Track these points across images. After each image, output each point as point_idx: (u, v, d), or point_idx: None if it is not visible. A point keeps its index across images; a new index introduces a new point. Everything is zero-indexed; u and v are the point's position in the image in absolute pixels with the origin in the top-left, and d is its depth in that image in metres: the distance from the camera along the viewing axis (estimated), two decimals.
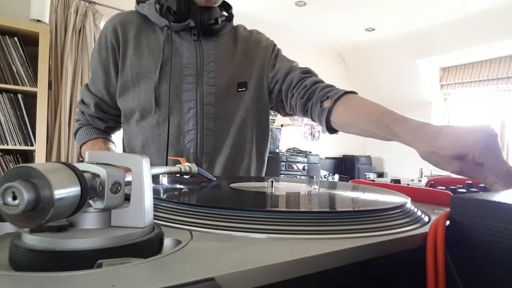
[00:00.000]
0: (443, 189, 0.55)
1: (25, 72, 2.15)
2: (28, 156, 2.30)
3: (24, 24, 2.13)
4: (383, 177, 4.17)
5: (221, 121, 0.82)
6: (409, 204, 0.41)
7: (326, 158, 4.83)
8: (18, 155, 2.25)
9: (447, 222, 0.32)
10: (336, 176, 4.45)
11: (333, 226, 0.31)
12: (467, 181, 0.63)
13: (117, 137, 0.96)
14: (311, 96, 0.79)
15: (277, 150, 4.14)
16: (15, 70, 2.13)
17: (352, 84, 4.81)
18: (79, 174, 0.23)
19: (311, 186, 0.57)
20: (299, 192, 0.50)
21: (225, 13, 0.89)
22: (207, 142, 0.80)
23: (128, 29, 0.81)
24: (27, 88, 2.15)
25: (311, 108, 0.79)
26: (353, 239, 0.29)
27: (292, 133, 4.56)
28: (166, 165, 0.76)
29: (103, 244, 0.23)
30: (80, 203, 0.23)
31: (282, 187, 0.54)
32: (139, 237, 0.25)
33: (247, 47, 0.89)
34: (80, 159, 2.64)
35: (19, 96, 2.17)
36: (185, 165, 0.52)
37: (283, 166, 3.96)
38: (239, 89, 0.84)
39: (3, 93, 2.12)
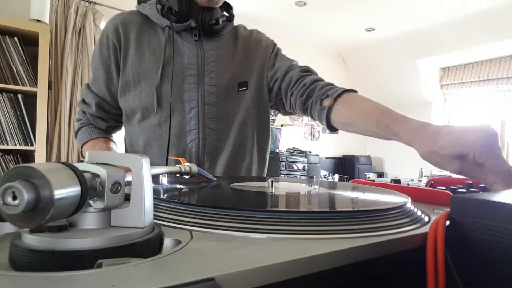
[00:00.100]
0: (443, 189, 0.55)
1: (25, 72, 2.15)
2: (28, 156, 2.30)
3: (24, 24, 2.13)
4: (383, 177, 4.17)
5: (222, 120, 0.82)
6: (409, 204, 0.41)
7: (326, 158, 4.83)
8: (18, 155, 2.25)
9: (447, 222, 0.32)
10: (336, 176, 4.45)
11: (333, 226, 0.31)
12: (467, 181, 0.63)
13: (119, 137, 0.96)
14: (311, 95, 0.79)
15: (277, 150, 4.14)
16: (15, 70, 2.13)
17: (352, 84, 4.80)
18: (79, 174, 0.23)
19: (311, 186, 0.57)
20: (299, 192, 0.50)
21: (225, 14, 0.89)
22: (208, 142, 0.81)
23: (130, 29, 0.81)
24: (27, 88, 2.15)
25: (310, 106, 0.79)
26: (353, 239, 0.29)
27: (292, 133, 4.56)
28: (166, 165, 0.76)
29: (103, 244, 0.23)
30: (80, 203, 0.23)
31: (282, 187, 0.54)
32: (139, 237, 0.25)
33: (248, 47, 0.90)
34: (81, 158, 2.64)
35: (19, 96, 2.17)
36: (185, 165, 0.52)
37: (283, 166, 3.96)
38: (240, 89, 0.85)
39: (3, 93, 2.12)
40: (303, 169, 4.09)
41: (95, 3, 2.75)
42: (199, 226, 0.31)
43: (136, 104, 0.80)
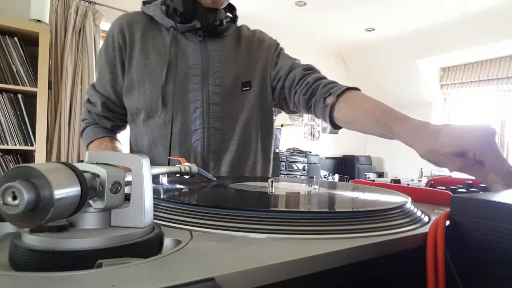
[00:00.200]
0: (443, 189, 0.55)
1: (25, 72, 2.15)
2: (28, 156, 2.30)
3: (24, 24, 2.13)
4: (383, 177, 4.17)
5: (226, 120, 0.83)
6: (409, 204, 0.41)
7: (326, 158, 4.83)
8: (18, 155, 2.25)
9: (447, 222, 0.32)
10: (336, 176, 4.45)
11: (333, 226, 0.31)
12: (467, 181, 0.63)
13: (124, 136, 0.96)
14: (314, 93, 0.79)
15: (277, 150, 4.14)
16: (15, 70, 2.13)
17: (352, 84, 4.79)
18: (79, 174, 0.23)
19: (311, 186, 0.57)
20: (299, 192, 0.50)
21: (229, 15, 0.90)
22: (213, 141, 0.81)
23: (135, 29, 0.82)
24: (27, 88, 2.15)
25: (314, 104, 0.79)
26: (353, 239, 0.29)
27: (292, 133, 4.56)
28: (169, 164, 0.76)
29: (103, 244, 0.23)
30: (80, 203, 0.23)
31: (282, 187, 0.54)
32: (139, 237, 0.25)
33: (251, 47, 0.91)
34: (81, 158, 2.64)
35: (19, 96, 2.17)
36: (185, 165, 0.52)
37: (283, 166, 3.96)
38: (243, 89, 0.85)
39: (3, 93, 2.12)
40: (303, 169, 4.09)
41: (95, 3, 2.75)
42: (199, 226, 0.31)
43: (141, 104, 0.81)
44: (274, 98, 0.91)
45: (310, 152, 4.39)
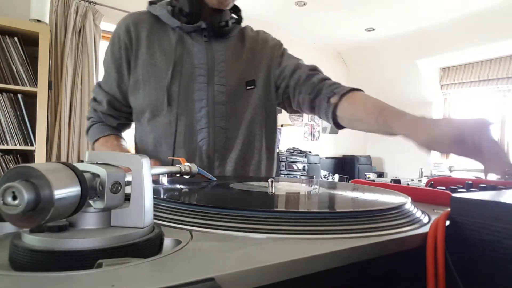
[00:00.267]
0: (443, 189, 0.55)
1: (25, 72, 2.15)
2: (28, 156, 2.30)
3: (24, 24, 2.13)
4: (383, 177, 4.16)
5: (231, 119, 0.84)
6: (409, 204, 0.41)
7: (326, 158, 4.83)
8: (18, 155, 2.25)
9: (447, 222, 0.32)
10: (336, 176, 4.45)
11: (333, 226, 0.31)
12: (467, 181, 0.63)
13: (128, 135, 0.96)
14: (319, 93, 0.81)
15: (277, 150, 4.13)
16: (15, 70, 2.13)
17: (352, 84, 4.76)
18: (79, 174, 0.23)
19: (311, 186, 0.57)
20: (299, 192, 0.50)
21: (234, 16, 0.91)
22: (218, 140, 0.82)
23: (141, 28, 0.83)
24: (27, 88, 2.15)
25: (318, 104, 0.81)
26: (353, 239, 0.29)
27: (292, 133, 4.56)
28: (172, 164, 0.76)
29: (103, 244, 0.23)
30: (80, 203, 0.23)
31: (282, 187, 0.54)
32: (139, 237, 0.25)
33: (254, 46, 0.91)
34: (81, 159, 2.64)
35: (19, 96, 2.16)
36: (185, 165, 0.52)
37: (283, 166, 3.96)
38: (248, 87, 0.86)
39: (3, 93, 2.12)
40: (303, 169, 4.09)
41: (95, 3, 2.75)
42: (199, 226, 0.31)
43: (146, 103, 0.81)
44: (277, 97, 0.92)
45: (310, 152, 4.39)
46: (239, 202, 0.41)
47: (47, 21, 2.29)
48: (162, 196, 0.39)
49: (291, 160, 4.04)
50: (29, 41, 2.18)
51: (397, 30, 4.01)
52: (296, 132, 4.64)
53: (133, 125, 0.93)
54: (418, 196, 0.54)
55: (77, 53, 2.66)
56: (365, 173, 4.26)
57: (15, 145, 2.13)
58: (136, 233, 0.25)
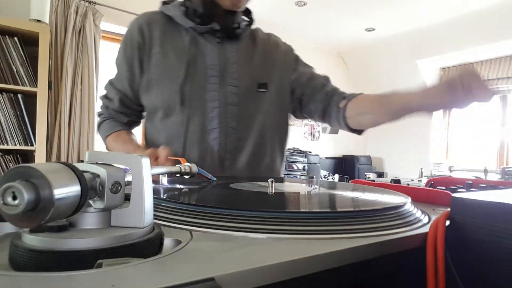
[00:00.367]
0: (443, 189, 0.55)
1: (25, 72, 2.15)
2: (28, 156, 2.30)
3: (24, 24, 2.13)
4: (383, 177, 4.16)
5: (243, 120, 0.85)
6: (409, 204, 0.41)
7: (326, 158, 4.83)
8: (18, 155, 2.25)
9: (447, 222, 0.32)
10: (336, 176, 4.45)
11: (333, 226, 0.31)
12: (467, 181, 0.63)
13: (137, 133, 0.97)
14: (330, 101, 0.86)
15: None
16: (15, 70, 2.13)
17: (352, 84, 4.80)
18: (79, 174, 0.23)
19: (311, 186, 0.57)
20: (299, 192, 0.50)
21: (246, 18, 0.93)
22: (230, 140, 0.83)
23: (154, 28, 0.84)
24: (27, 88, 2.15)
25: (329, 111, 0.86)
26: (353, 239, 0.29)
27: (292, 133, 4.53)
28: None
29: (103, 244, 0.23)
30: (80, 203, 0.23)
31: (282, 187, 0.54)
32: (139, 237, 0.25)
33: (266, 49, 0.93)
34: (81, 159, 2.64)
35: (19, 96, 2.16)
36: (185, 165, 0.52)
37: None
38: (259, 90, 0.87)
39: (3, 93, 2.12)
40: (303, 169, 4.09)
41: (95, 3, 2.75)
42: (199, 226, 0.31)
43: (159, 102, 0.82)
44: (290, 102, 0.94)
45: (310, 152, 4.39)
46: (239, 202, 0.41)
47: (47, 21, 2.29)
48: (162, 196, 0.39)
49: (291, 160, 4.04)
50: (29, 41, 2.18)
51: (397, 30, 4.01)
52: (296, 132, 4.64)
53: (142, 122, 0.94)
54: (418, 196, 0.54)
55: (77, 53, 2.66)
56: (365, 173, 4.25)
57: (15, 145, 2.13)
58: (136, 233, 0.25)
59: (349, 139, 5.01)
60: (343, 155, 5.05)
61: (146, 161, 0.27)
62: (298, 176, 3.97)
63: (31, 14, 2.21)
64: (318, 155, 4.43)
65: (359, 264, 0.28)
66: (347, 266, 0.27)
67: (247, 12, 0.93)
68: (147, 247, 0.25)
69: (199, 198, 0.45)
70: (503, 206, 0.28)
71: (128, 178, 0.27)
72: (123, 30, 3.07)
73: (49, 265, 0.21)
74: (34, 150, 2.19)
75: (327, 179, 4.33)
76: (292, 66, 0.93)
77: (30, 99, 2.18)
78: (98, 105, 2.74)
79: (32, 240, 0.23)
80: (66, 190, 0.22)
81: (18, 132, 2.15)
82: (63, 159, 2.57)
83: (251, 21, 0.93)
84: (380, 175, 4.44)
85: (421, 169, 3.01)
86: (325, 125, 4.84)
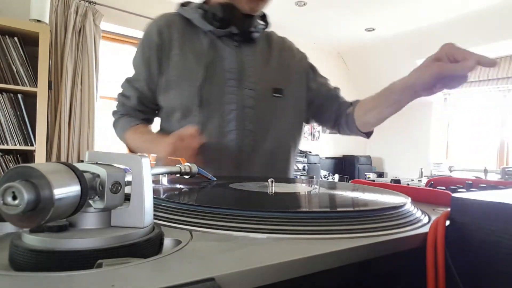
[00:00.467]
0: (443, 189, 0.55)
1: (25, 72, 2.15)
2: (28, 156, 2.30)
3: (24, 24, 2.13)
4: (383, 177, 4.16)
5: (259, 123, 0.86)
6: (409, 204, 0.41)
7: (326, 158, 4.83)
8: (18, 155, 2.25)
9: (447, 222, 0.32)
10: (336, 176, 4.45)
11: (333, 226, 0.31)
12: (467, 181, 0.63)
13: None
14: (342, 110, 0.93)
15: None
16: (15, 70, 2.13)
17: (352, 84, 4.80)
18: (79, 174, 0.23)
19: (311, 186, 0.57)
20: (299, 192, 0.50)
21: (261, 22, 0.94)
22: (246, 143, 0.84)
23: (173, 30, 0.85)
24: (27, 88, 2.15)
25: (340, 120, 0.94)
26: (353, 239, 0.29)
27: None
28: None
29: (103, 244, 0.23)
30: (80, 203, 0.23)
31: (282, 187, 0.54)
32: (139, 237, 0.25)
33: (282, 54, 0.95)
34: (81, 159, 2.64)
35: (19, 96, 2.17)
36: (185, 165, 0.52)
37: None
38: (274, 94, 0.89)
39: (3, 93, 2.12)
40: (303, 169, 4.09)
41: (95, 3, 2.75)
42: (199, 226, 0.31)
43: (177, 103, 0.83)
44: (308, 110, 0.97)
45: (310, 152, 4.39)
46: (239, 202, 0.41)
47: (47, 21, 2.29)
48: (162, 196, 0.39)
49: None
50: (29, 41, 2.18)
51: (397, 30, 4.01)
52: None
53: (155, 121, 0.96)
54: (418, 196, 0.54)
55: (77, 53, 2.66)
56: (365, 173, 4.26)
57: (15, 145, 2.13)
58: (136, 233, 0.25)
59: (349, 139, 5.01)
60: (343, 155, 5.05)
61: (146, 161, 0.27)
62: (298, 176, 3.97)
63: (31, 14, 2.22)
64: (318, 155, 4.43)
65: (359, 264, 0.28)
66: (347, 266, 0.27)
67: (263, 16, 0.95)
68: (147, 247, 0.25)
69: (199, 198, 0.45)
70: (503, 206, 0.28)
71: (128, 178, 0.27)
72: (123, 30, 3.08)
73: (49, 265, 0.21)
74: (34, 150, 2.19)
75: (327, 179, 4.33)
76: (309, 75, 0.97)
77: (30, 99, 2.18)
78: (98, 105, 2.75)
79: (32, 240, 0.23)
80: (66, 190, 0.22)
81: (18, 132, 2.15)
82: (63, 159, 2.57)
83: (266, 25, 0.95)
84: (380, 175, 4.44)
85: (421, 169, 3.01)
86: None
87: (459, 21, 3.60)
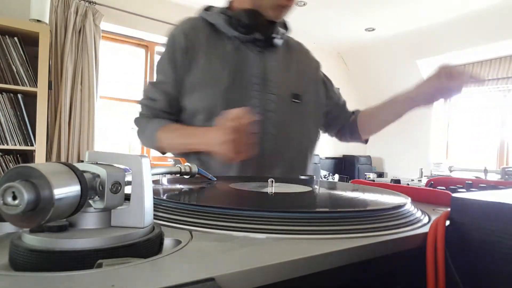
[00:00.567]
0: (443, 189, 0.55)
1: (25, 72, 2.15)
2: (28, 156, 2.30)
3: (24, 24, 2.13)
4: (383, 177, 4.16)
5: (280, 127, 0.88)
6: (409, 204, 0.41)
7: (326, 158, 4.83)
8: (18, 155, 2.25)
9: (447, 222, 0.32)
10: (336, 176, 4.45)
11: (333, 226, 0.31)
12: (467, 181, 0.63)
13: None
14: (346, 119, 1.02)
15: None
16: (15, 70, 2.13)
17: (352, 84, 4.80)
18: (79, 174, 0.23)
19: (311, 186, 0.57)
20: (299, 192, 0.50)
21: (282, 29, 0.96)
22: (268, 146, 0.86)
23: (199, 34, 0.87)
24: (27, 88, 2.15)
25: (343, 127, 1.03)
26: (353, 239, 0.29)
27: None
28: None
29: (103, 244, 0.23)
30: (80, 203, 0.23)
31: (282, 187, 0.54)
32: (139, 237, 0.25)
33: (300, 59, 0.99)
34: (81, 159, 2.64)
35: (19, 96, 2.17)
36: (185, 165, 0.52)
37: None
38: (293, 100, 0.92)
39: (3, 93, 2.12)
40: None
41: (95, 3, 2.75)
42: (199, 226, 0.31)
43: (201, 105, 0.85)
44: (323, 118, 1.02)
45: None
46: (239, 202, 0.41)
47: (47, 21, 2.29)
48: (162, 196, 0.39)
49: None
50: (29, 41, 2.18)
51: (397, 30, 4.01)
52: None
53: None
54: (418, 196, 0.54)
55: (77, 53, 2.66)
56: (365, 173, 4.25)
57: (15, 145, 2.13)
58: (136, 233, 0.25)
59: None
60: (343, 155, 5.05)
61: (146, 161, 0.27)
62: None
63: (31, 14, 2.22)
64: (318, 155, 4.43)
65: (359, 264, 0.28)
66: (347, 266, 0.27)
67: (283, 21, 0.97)
68: (147, 247, 0.25)
69: (199, 198, 0.45)
70: (503, 206, 0.28)
71: (128, 178, 0.27)
72: (123, 30, 3.08)
73: (49, 265, 0.21)
74: (34, 150, 2.19)
75: (327, 179, 4.33)
76: (326, 85, 1.02)
77: (30, 99, 2.18)
78: (98, 105, 2.75)
79: (32, 240, 0.23)
80: (66, 190, 0.22)
81: (18, 132, 2.15)
82: (63, 159, 2.57)
83: (286, 30, 0.97)
84: (380, 175, 4.44)
85: (421, 169, 3.01)
86: None
87: (459, 21, 3.60)
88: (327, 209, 0.38)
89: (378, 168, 5.02)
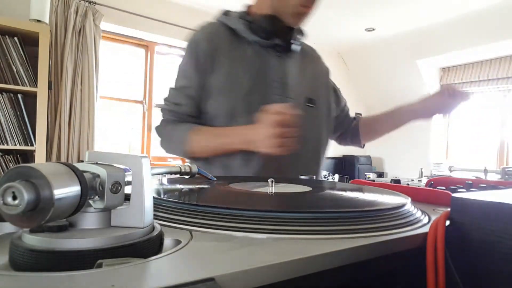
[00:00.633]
0: (443, 189, 0.55)
1: (25, 72, 2.15)
2: (28, 156, 2.30)
3: (24, 24, 2.13)
4: (383, 177, 4.16)
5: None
6: (409, 204, 0.41)
7: (326, 158, 4.82)
8: (18, 155, 2.25)
9: (447, 222, 0.32)
10: (336, 176, 4.45)
11: (333, 226, 0.31)
12: (467, 181, 0.63)
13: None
14: (349, 124, 1.08)
15: None
16: (15, 70, 2.13)
17: (352, 84, 4.80)
18: (79, 174, 0.23)
19: (310, 186, 0.57)
20: (299, 192, 0.50)
21: (298, 35, 0.97)
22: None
23: (221, 39, 0.88)
24: (27, 88, 2.15)
25: (345, 132, 1.08)
26: (353, 239, 0.29)
27: None
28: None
29: (103, 244, 0.23)
30: (80, 203, 0.23)
31: (282, 187, 0.54)
32: (139, 237, 0.25)
33: (313, 65, 1.03)
34: (81, 159, 2.64)
35: (19, 96, 2.16)
36: (185, 165, 0.52)
37: None
38: (307, 104, 0.93)
39: (3, 93, 2.12)
40: None
41: (95, 3, 2.75)
42: (199, 226, 0.31)
43: (223, 109, 0.85)
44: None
45: None
46: (239, 202, 0.41)
47: (47, 21, 2.29)
48: (162, 196, 0.39)
49: None
50: (29, 41, 2.18)
51: (397, 30, 4.01)
52: None
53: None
54: (418, 196, 0.54)
55: (77, 53, 2.66)
56: (365, 173, 4.25)
57: (15, 145, 2.13)
58: (136, 233, 0.25)
59: None
60: (343, 155, 5.05)
61: (146, 161, 0.27)
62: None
63: (31, 14, 2.22)
64: None
65: (359, 264, 0.28)
66: (347, 266, 0.27)
67: (299, 27, 0.99)
68: (147, 247, 0.25)
69: (199, 198, 0.45)
70: (503, 206, 0.29)
71: (128, 178, 0.27)
72: (123, 30, 3.08)
73: (49, 265, 0.21)
74: (34, 150, 2.19)
75: (327, 179, 4.33)
76: (337, 92, 1.07)
77: (30, 99, 2.18)
78: (98, 105, 2.75)
79: (32, 240, 0.23)
80: (66, 190, 0.22)
81: (18, 132, 2.15)
82: (63, 159, 2.57)
83: (302, 36, 0.99)
84: (380, 175, 4.44)
85: (421, 169, 3.00)
86: None
87: (459, 21, 3.60)
88: (327, 209, 0.38)
89: (378, 168, 5.02)
